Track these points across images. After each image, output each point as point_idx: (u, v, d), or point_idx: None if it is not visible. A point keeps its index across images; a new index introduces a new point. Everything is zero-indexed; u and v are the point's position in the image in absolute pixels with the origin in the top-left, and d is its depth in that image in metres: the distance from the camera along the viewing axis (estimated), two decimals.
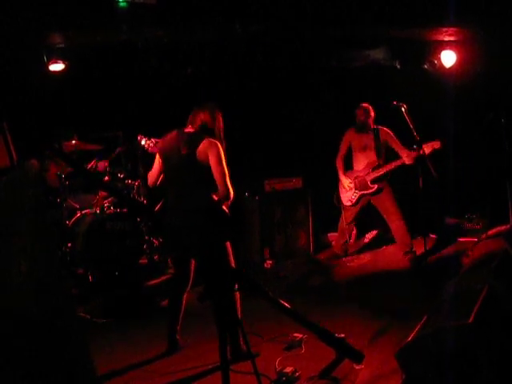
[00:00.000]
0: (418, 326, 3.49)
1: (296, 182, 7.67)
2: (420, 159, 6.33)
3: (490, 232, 6.08)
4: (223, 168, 4.10)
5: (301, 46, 7.65)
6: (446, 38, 7.61)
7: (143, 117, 7.31)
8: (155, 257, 6.83)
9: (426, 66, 8.14)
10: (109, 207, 6.55)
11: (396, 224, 6.75)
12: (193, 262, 4.36)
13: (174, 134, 4.31)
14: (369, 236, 8.18)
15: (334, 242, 7.63)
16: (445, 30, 7.16)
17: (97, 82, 7.36)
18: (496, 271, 3.80)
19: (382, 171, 6.75)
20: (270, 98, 8.23)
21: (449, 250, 7.23)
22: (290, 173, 7.71)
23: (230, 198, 4.12)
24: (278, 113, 8.30)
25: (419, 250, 6.63)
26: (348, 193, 6.98)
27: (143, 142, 5.00)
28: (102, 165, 6.79)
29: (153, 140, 4.90)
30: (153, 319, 5.22)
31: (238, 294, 4.16)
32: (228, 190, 4.09)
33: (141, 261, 6.76)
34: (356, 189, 6.90)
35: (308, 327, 1.77)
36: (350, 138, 7.04)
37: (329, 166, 7.80)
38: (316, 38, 7.47)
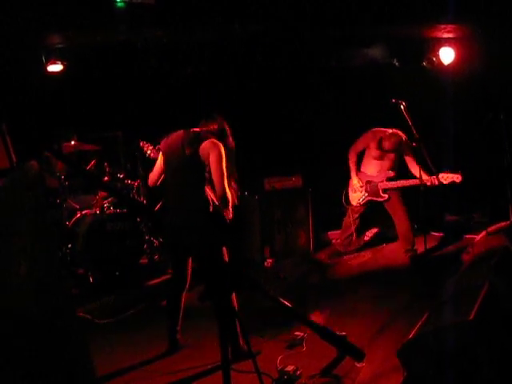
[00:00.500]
0: (419, 324, 3.49)
1: (296, 181, 7.66)
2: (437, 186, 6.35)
3: (490, 229, 6.09)
4: (222, 169, 4.10)
5: (300, 46, 7.65)
6: (445, 35, 7.61)
7: (142, 117, 7.32)
8: (155, 257, 6.84)
9: (424, 64, 8.13)
10: (109, 207, 6.55)
11: (401, 221, 6.75)
12: (190, 262, 4.37)
13: (179, 133, 4.32)
14: (369, 234, 8.16)
15: (334, 240, 7.63)
16: (443, 27, 7.15)
17: (96, 83, 7.35)
18: (496, 268, 3.80)
19: (396, 185, 6.74)
20: (269, 97, 8.22)
21: (449, 248, 7.23)
22: (290, 171, 7.70)
23: (226, 199, 4.12)
24: (278, 112, 8.29)
25: (420, 247, 6.63)
26: (357, 194, 6.97)
27: (145, 149, 5.01)
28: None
29: (155, 147, 4.91)
30: (153, 319, 5.21)
31: (234, 296, 4.17)
32: (224, 191, 4.09)
33: (141, 261, 6.76)
34: (366, 192, 6.89)
35: (309, 325, 1.77)
36: (369, 143, 6.83)
37: (328, 164, 7.80)
38: (315, 38, 7.47)
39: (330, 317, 4.83)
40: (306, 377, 3.73)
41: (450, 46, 7.75)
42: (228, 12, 6.11)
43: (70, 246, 6.32)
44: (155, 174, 4.47)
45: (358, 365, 3.75)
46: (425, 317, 3.65)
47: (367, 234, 8.17)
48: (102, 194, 6.65)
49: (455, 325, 2.99)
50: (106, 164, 6.77)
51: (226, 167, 4.18)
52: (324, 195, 7.68)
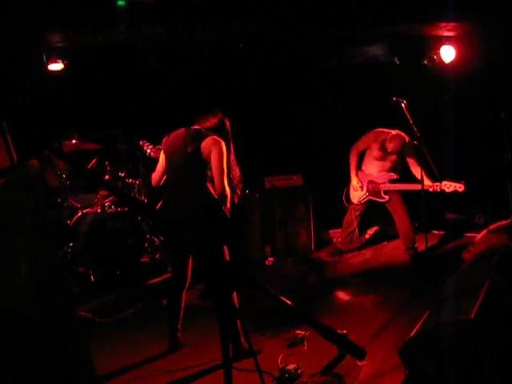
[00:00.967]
0: (420, 322, 3.49)
1: (296, 180, 7.66)
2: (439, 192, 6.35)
3: (491, 227, 6.08)
4: (223, 167, 4.10)
5: (300, 46, 7.64)
6: (446, 34, 7.60)
7: (143, 116, 7.32)
8: (157, 255, 6.84)
9: (425, 62, 8.12)
10: (110, 206, 6.56)
11: (401, 220, 6.75)
12: (190, 260, 4.37)
13: (181, 131, 4.32)
14: (370, 232, 8.16)
15: (335, 239, 7.63)
16: (444, 25, 7.15)
17: (97, 81, 7.35)
18: (497, 266, 3.80)
19: (398, 187, 6.73)
20: (269, 96, 8.21)
21: (450, 246, 7.22)
22: (291, 170, 7.70)
23: (225, 196, 4.13)
24: (278, 111, 8.29)
25: (421, 245, 6.62)
26: (358, 192, 6.97)
27: (145, 148, 5.01)
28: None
29: (155, 146, 4.91)
30: (154, 318, 5.21)
31: (235, 295, 4.17)
32: (224, 189, 4.10)
33: (142, 259, 6.77)
34: (367, 192, 6.89)
35: (310, 324, 1.77)
36: (371, 142, 6.82)
37: (329, 163, 7.80)
38: (315, 38, 7.47)
39: (331, 315, 4.84)
40: (307, 375, 3.73)
41: (450, 44, 7.74)
42: (228, 11, 6.11)
43: (70, 244, 6.33)
44: (158, 173, 4.47)
45: (359, 363, 3.75)
46: (426, 315, 3.65)
47: (368, 232, 8.17)
48: (103, 192, 6.66)
49: (456, 323, 2.99)
50: (107, 163, 6.77)
51: (227, 164, 4.19)
52: (325, 194, 7.68)
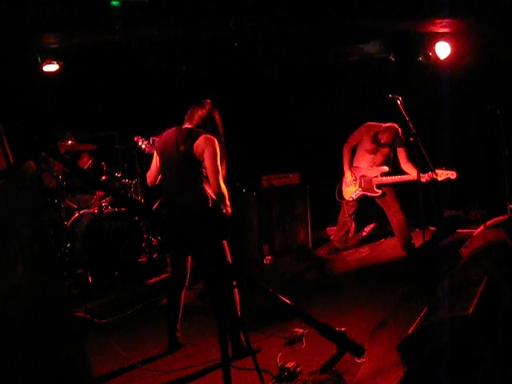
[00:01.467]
0: (419, 319, 3.49)
1: (293, 178, 7.67)
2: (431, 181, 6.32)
3: (489, 223, 6.10)
4: (217, 165, 4.09)
5: (296, 43, 7.64)
6: (441, 30, 7.61)
7: (139, 116, 7.31)
8: (154, 255, 6.84)
9: (420, 58, 8.13)
10: (107, 207, 6.55)
11: (396, 217, 6.75)
12: (189, 260, 4.36)
13: (172, 130, 4.30)
14: (367, 229, 8.18)
15: (332, 236, 7.64)
16: (439, 21, 7.16)
17: (92, 82, 7.35)
18: (495, 262, 3.80)
19: (390, 181, 6.74)
20: (266, 95, 8.22)
21: (448, 242, 7.24)
22: (288, 168, 7.71)
23: (222, 195, 4.11)
24: (275, 109, 8.29)
25: (418, 242, 6.64)
26: (351, 188, 6.96)
27: (140, 143, 5.00)
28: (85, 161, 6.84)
29: (150, 140, 4.90)
30: (153, 318, 5.21)
31: (236, 291, 4.16)
32: (219, 187, 4.08)
33: (140, 259, 6.77)
34: (360, 187, 6.89)
35: (308, 322, 1.77)
36: (363, 136, 6.83)
37: (326, 160, 7.81)
38: (310, 34, 7.46)
39: (329, 313, 4.84)
40: (306, 373, 3.73)
41: (445, 40, 7.75)
42: (223, 9, 6.11)
43: (68, 245, 6.32)
44: (152, 173, 4.46)
45: (358, 361, 3.76)
46: (424, 311, 3.66)
47: (365, 229, 8.19)
48: (99, 193, 6.65)
49: (454, 319, 2.99)
50: (103, 163, 6.77)
51: (221, 162, 4.17)
52: (322, 191, 7.70)
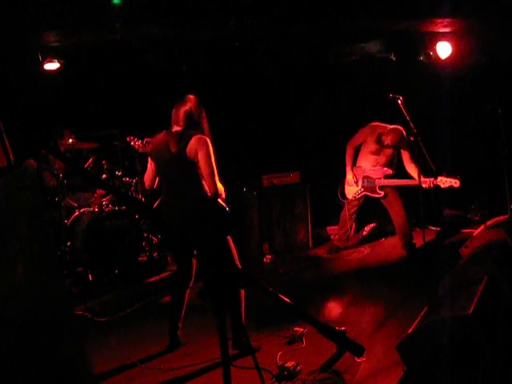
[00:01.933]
0: (419, 318, 3.49)
1: (294, 177, 7.67)
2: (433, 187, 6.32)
3: (489, 222, 6.08)
4: (212, 166, 4.08)
5: (296, 42, 7.64)
6: (442, 30, 7.60)
7: (139, 114, 7.30)
8: (154, 254, 6.84)
9: (421, 58, 8.12)
10: (107, 205, 6.55)
11: (398, 216, 6.75)
12: (194, 258, 4.36)
13: (162, 134, 4.29)
14: (367, 229, 8.18)
15: (333, 235, 7.64)
16: (440, 21, 7.15)
17: (92, 81, 7.34)
18: (495, 261, 3.80)
19: (394, 183, 6.73)
20: (266, 94, 8.21)
21: (448, 241, 7.24)
22: (288, 167, 7.71)
23: (218, 195, 4.12)
24: (275, 108, 8.29)
25: (419, 242, 6.63)
26: (353, 187, 6.94)
27: (132, 144, 5.01)
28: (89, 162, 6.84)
29: (143, 141, 4.90)
30: (153, 316, 5.22)
31: (243, 292, 4.17)
32: (216, 188, 4.08)
33: (140, 258, 6.77)
34: (363, 187, 6.87)
35: (308, 321, 1.77)
36: (367, 136, 6.80)
37: (326, 159, 7.80)
38: (311, 33, 7.46)
39: (329, 312, 4.84)
40: (305, 372, 3.73)
41: (446, 40, 7.75)
42: (224, 8, 6.10)
43: (68, 244, 6.32)
44: (149, 177, 4.45)
45: (358, 360, 3.76)
46: (424, 311, 3.65)
47: (366, 228, 8.18)
48: (100, 191, 6.65)
49: (454, 319, 2.99)
50: (103, 162, 6.77)
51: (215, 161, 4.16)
52: (322, 190, 7.69)
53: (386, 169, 6.77)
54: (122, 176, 6.79)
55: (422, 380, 3.11)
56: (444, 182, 6.27)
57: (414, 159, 6.39)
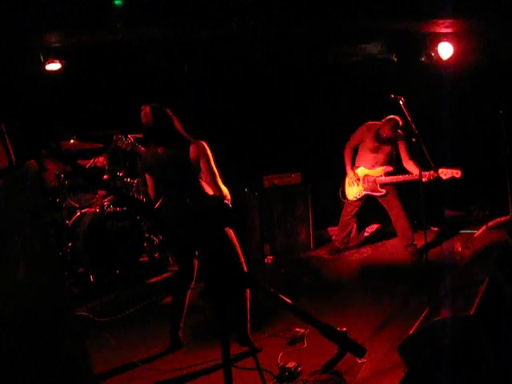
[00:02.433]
0: (420, 319, 3.49)
1: (295, 178, 7.67)
2: (434, 180, 6.30)
3: (490, 223, 6.08)
4: (213, 171, 4.08)
5: (297, 43, 7.64)
6: (443, 30, 7.59)
7: (139, 114, 7.29)
8: (156, 255, 6.84)
9: (423, 59, 8.12)
10: (108, 206, 6.55)
11: (398, 217, 6.73)
12: (195, 259, 4.36)
13: (151, 152, 4.27)
14: (369, 230, 8.18)
15: (334, 236, 7.63)
16: (441, 21, 7.14)
17: (94, 81, 7.35)
18: (497, 262, 3.80)
19: (394, 180, 6.70)
20: (266, 94, 8.21)
21: (449, 243, 7.23)
22: (289, 168, 7.70)
23: (224, 197, 4.13)
24: (276, 109, 8.29)
25: (420, 243, 6.62)
26: (353, 188, 6.93)
27: (119, 143, 5.01)
28: (101, 160, 6.80)
29: (129, 138, 4.91)
30: (154, 317, 5.22)
31: (248, 291, 4.18)
32: (222, 191, 4.08)
33: (141, 259, 6.77)
34: (363, 187, 6.86)
35: (309, 322, 1.77)
36: (365, 135, 6.81)
37: (328, 160, 7.80)
38: (312, 34, 7.45)
39: (331, 313, 4.84)
40: (307, 373, 3.73)
41: (448, 40, 7.74)
42: (226, 8, 6.10)
43: (70, 244, 6.32)
44: (151, 189, 4.48)
45: (359, 361, 3.76)
46: (426, 312, 3.65)
47: (367, 230, 8.18)
48: (101, 192, 6.65)
49: (456, 319, 2.99)
50: (105, 162, 6.76)
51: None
52: (323, 191, 7.69)
53: (385, 166, 6.76)
54: (124, 177, 6.79)
55: (424, 381, 3.10)
56: (445, 173, 6.21)
57: (413, 157, 6.39)
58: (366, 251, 7.39)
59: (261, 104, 8.19)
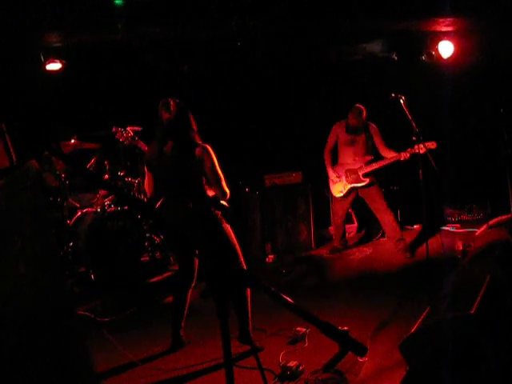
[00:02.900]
0: (421, 318, 3.49)
1: (296, 177, 7.67)
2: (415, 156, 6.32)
3: (491, 222, 6.08)
4: (218, 174, 4.08)
5: (298, 42, 7.63)
6: (444, 29, 7.59)
7: (141, 114, 7.30)
8: (157, 254, 6.84)
9: (423, 58, 8.11)
10: (109, 205, 6.55)
11: (384, 215, 6.82)
12: (196, 258, 4.36)
13: (156, 149, 4.25)
14: (369, 229, 8.16)
15: (334, 236, 7.64)
16: (442, 20, 7.14)
17: (94, 81, 7.35)
18: (498, 261, 3.79)
19: (375, 166, 6.82)
20: (267, 93, 8.21)
21: (450, 241, 7.22)
22: (290, 167, 7.71)
23: (226, 197, 4.16)
24: (276, 108, 8.29)
25: (421, 242, 6.63)
26: (338, 185, 7.01)
27: (117, 135, 5.00)
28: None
29: (128, 131, 4.89)
30: (155, 316, 5.22)
31: (249, 290, 4.19)
32: (225, 192, 4.10)
33: (142, 258, 6.77)
34: (347, 181, 6.92)
35: (311, 321, 1.76)
36: (338, 131, 7.05)
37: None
38: (313, 33, 7.45)
39: (332, 312, 4.83)
40: (308, 372, 3.73)
41: (449, 39, 7.73)
42: (226, 8, 6.10)
43: (71, 244, 6.32)
44: (150, 186, 4.46)
45: (361, 360, 3.76)
46: (426, 311, 3.65)
47: (367, 229, 8.17)
48: (102, 192, 6.65)
49: (457, 318, 2.98)
50: (106, 162, 6.77)
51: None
52: (324, 190, 7.69)
53: (364, 156, 6.86)
54: (125, 176, 6.79)
55: (425, 380, 3.10)
56: (421, 148, 6.15)
57: (413, 157, 6.44)
58: (367, 250, 7.39)
59: (261, 104, 8.19)
